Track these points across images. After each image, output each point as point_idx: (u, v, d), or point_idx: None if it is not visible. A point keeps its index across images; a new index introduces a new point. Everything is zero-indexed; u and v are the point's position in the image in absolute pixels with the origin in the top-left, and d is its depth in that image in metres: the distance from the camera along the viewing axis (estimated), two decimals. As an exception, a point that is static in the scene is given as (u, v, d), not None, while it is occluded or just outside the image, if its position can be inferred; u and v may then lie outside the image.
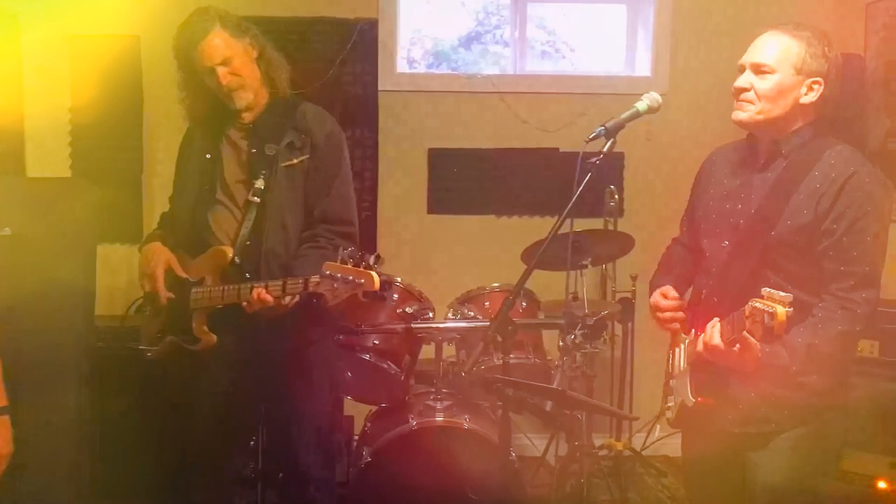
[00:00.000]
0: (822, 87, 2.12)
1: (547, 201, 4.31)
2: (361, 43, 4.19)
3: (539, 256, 2.15)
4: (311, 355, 2.68)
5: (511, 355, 3.08)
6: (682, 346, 2.30)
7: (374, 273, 2.24)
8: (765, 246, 2.12)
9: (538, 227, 4.22)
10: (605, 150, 2.16)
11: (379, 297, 2.31)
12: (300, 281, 2.37)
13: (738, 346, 1.96)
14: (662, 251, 2.62)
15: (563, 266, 3.46)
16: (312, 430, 2.70)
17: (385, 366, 3.06)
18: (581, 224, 3.98)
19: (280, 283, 2.41)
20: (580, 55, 4.87)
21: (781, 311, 1.75)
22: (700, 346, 2.06)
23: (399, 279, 3.18)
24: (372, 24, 4.19)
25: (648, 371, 4.13)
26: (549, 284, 3.54)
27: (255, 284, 2.43)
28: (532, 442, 4.10)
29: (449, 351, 3.28)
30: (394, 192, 4.31)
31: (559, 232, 3.41)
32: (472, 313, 3.12)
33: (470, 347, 3.18)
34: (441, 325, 3.02)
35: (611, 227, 3.95)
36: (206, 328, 2.57)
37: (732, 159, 2.33)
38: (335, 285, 2.27)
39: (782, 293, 1.79)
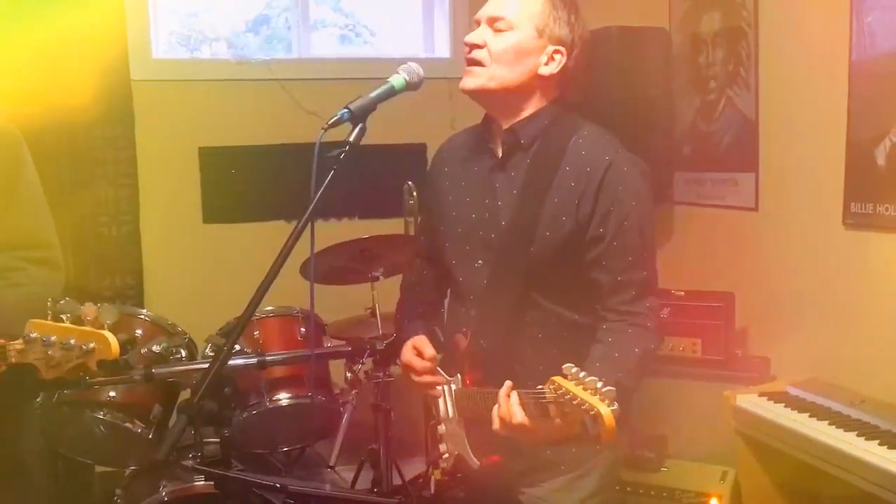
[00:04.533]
0: (564, 59, 1.79)
1: (345, 202, 3.81)
2: (107, 24, 3.49)
3: (270, 277, 1.61)
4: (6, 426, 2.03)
5: (287, 395, 2.60)
6: (449, 389, 1.86)
7: (107, 334, 1.63)
8: (527, 265, 1.75)
9: (339, 231, 3.71)
10: (351, 139, 1.67)
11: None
12: None
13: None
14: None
15: (355, 279, 2.96)
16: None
17: (128, 424, 2.43)
18: (376, 227, 3.53)
19: None
20: (382, 39, 4.42)
21: (607, 412, 1.32)
22: (496, 424, 1.61)
23: (144, 311, 2.56)
24: (118, 3, 3.51)
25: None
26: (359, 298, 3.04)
27: None
28: (339, 475, 3.58)
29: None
30: (159, 201, 3.66)
31: (350, 239, 2.94)
32: (236, 346, 2.53)
33: (240, 390, 2.60)
34: (182, 368, 2.40)
35: (413, 229, 3.49)
36: None
37: (466, 153, 1.94)
38: (49, 352, 1.65)
39: (590, 376, 1.37)
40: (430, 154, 3.92)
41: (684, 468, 2.90)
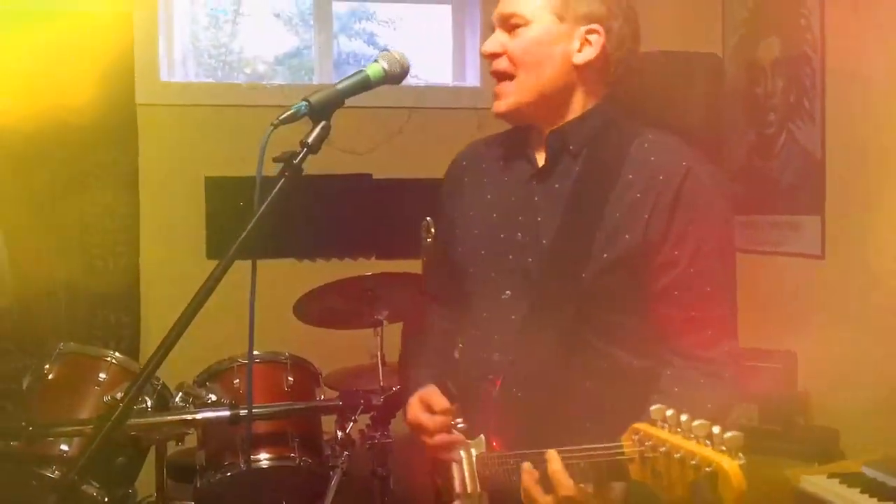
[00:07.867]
0: (601, 38, 1.48)
1: (360, 239, 3.50)
2: (114, 43, 3.28)
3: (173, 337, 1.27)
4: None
5: (268, 455, 2.25)
6: (469, 456, 1.50)
7: None
8: (577, 295, 1.40)
9: (350, 271, 3.39)
10: (309, 140, 1.35)
11: None
12: None
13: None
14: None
15: (356, 322, 2.63)
16: None
17: (84, 486, 2.10)
18: (395, 268, 3.20)
19: None
20: (417, 71, 4.18)
21: (733, 466, 1.00)
22: (527, 491, 1.29)
23: (112, 354, 2.25)
24: (126, 20, 3.29)
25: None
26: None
27: None
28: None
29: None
30: (161, 232, 3.38)
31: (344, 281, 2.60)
32: (212, 396, 2.20)
33: (214, 447, 2.26)
34: (141, 421, 2.06)
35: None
36: None
37: (494, 161, 1.60)
38: None
39: (698, 420, 1.04)
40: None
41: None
